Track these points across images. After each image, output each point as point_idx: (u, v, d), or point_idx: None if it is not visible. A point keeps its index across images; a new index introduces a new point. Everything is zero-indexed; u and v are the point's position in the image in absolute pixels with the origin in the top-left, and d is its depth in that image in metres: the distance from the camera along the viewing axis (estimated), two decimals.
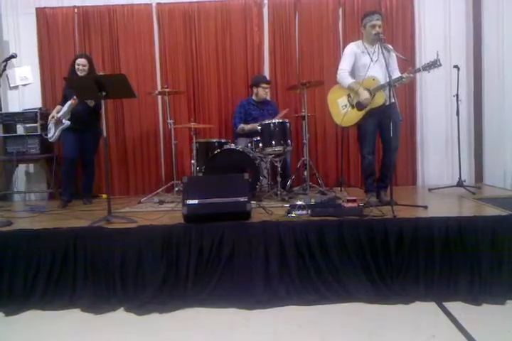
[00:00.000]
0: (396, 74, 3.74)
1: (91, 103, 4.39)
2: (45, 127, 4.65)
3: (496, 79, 4.89)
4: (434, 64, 3.51)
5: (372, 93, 3.69)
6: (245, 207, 3.10)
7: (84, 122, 4.45)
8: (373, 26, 3.69)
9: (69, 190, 4.52)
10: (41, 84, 5.47)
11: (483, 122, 5.22)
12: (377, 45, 3.71)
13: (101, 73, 4.25)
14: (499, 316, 2.56)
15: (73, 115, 4.37)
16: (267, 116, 4.74)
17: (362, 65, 3.77)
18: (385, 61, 3.48)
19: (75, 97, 4.21)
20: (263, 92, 4.91)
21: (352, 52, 3.83)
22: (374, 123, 3.79)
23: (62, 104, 4.43)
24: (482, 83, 5.20)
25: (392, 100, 3.48)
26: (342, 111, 3.88)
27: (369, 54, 3.73)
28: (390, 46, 3.84)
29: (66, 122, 4.35)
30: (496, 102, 4.92)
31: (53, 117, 4.40)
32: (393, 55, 3.83)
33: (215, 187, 3.16)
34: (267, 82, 4.96)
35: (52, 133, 4.42)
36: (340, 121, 3.89)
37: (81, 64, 4.40)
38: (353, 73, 3.86)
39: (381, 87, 3.66)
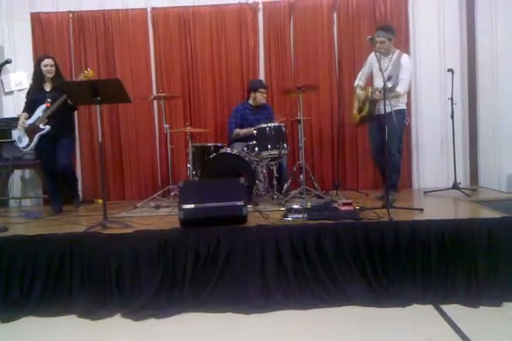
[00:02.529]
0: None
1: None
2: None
3: (490, 82, 4.92)
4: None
5: (366, 102, 4.08)
6: (242, 211, 3.09)
7: (61, 124, 4.23)
8: (377, 41, 4.02)
9: (58, 200, 4.47)
10: None
11: (478, 125, 5.24)
12: (388, 57, 4.08)
13: (92, 72, 4.13)
14: (496, 318, 2.56)
15: (50, 116, 4.14)
16: (263, 121, 4.71)
17: (374, 73, 4.27)
18: (395, 72, 3.95)
19: (49, 100, 4.11)
20: (261, 97, 4.90)
21: (368, 60, 4.33)
22: (375, 125, 4.20)
23: (31, 110, 4.22)
24: (476, 86, 5.23)
25: (388, 109, 3.52)
26: (355, 109, 4.39)
27: (379, 64, 3.81)
28: (403, 60, 4.07)
29: (46, 127, 4.13)
30: (490, 105, 4.95)
31: (23, 124, 4.18)
32: (404, 68, 4.03)
33: (211, 191, 3.16)
34: (265, 87, 4.96)
35: (28, 142, 4.19)
36: (350, 117, 4.59)
37: (49, 64, 4.23)
38: (372, 80, 4.33)
39: (368, 98, 4.02)
